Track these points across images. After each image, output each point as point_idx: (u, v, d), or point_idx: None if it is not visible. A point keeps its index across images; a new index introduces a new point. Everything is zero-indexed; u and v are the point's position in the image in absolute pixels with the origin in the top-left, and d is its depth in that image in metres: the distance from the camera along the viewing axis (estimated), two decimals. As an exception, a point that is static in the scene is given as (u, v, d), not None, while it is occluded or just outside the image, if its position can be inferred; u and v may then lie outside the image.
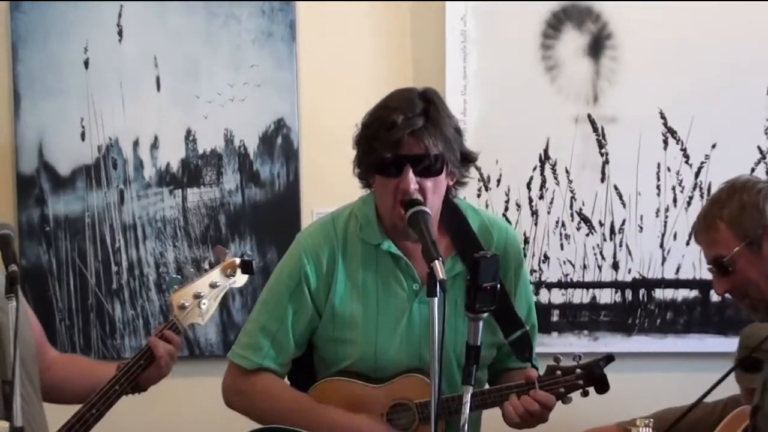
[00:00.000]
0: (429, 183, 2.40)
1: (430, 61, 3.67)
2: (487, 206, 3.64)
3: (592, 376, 2.52)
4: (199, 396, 3.49)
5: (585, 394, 2.55)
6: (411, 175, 2.37)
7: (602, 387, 2.54)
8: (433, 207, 2.41)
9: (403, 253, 2.50)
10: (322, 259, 2.51)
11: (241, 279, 2.63)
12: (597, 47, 3.64)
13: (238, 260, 2.59)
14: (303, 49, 3.69)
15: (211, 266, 2.63)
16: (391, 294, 2.52)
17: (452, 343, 2.42)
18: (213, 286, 2.58)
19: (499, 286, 2.17)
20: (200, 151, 3.72)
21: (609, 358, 2.55)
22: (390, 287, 2.52)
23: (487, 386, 2.63)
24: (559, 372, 2.52)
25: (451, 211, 2.55)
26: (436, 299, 2.11)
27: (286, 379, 2.66)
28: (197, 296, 2.56)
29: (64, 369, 2.70)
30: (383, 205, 2.46)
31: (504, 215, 3.67)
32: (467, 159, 2.51)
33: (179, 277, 2.72)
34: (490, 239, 2.55)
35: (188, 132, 3.73)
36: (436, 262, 2.15)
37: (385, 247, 2.49)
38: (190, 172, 3.73)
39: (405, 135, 2.36)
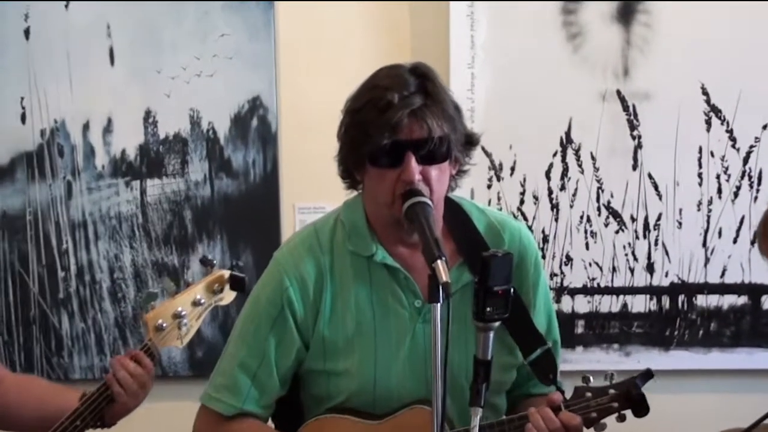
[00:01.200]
0: (434, 171, 2.24)
1: (431, 29, 3.52)
2: (499, 199, 3.53)
3: (629, 397, 2.35)
4: (161, 425, 3.25)
5: (621, 418, 2.37)
6: (414, 163, 2.21)
7: (641, 410, 2.36)
8: (438, 199, 2.28)
9: (400, 264, 2.34)
10: (307, 279, 2.36)
11: (229, 296, 2.53)
12: (627, 11, 3.46)
13: (227, 274, 2.49)
14: (282, 15, 3.53)
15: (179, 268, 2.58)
16: (390, 313, 2.37)
17: (463, 366, 2.27)
18: (196, 303, 2.48)
19: (513, 292, 2.05)
20: (161, 136, 3.57)
21: (647, 374, 2.36)
22: (388, 306, 2.37)
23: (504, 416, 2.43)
24: (589, 394, 2.35)
25: (454, 212, 2.41)
26: (438, 305, 1.96)
27: (270, 422, 2.51)
28: (177, 316, 2.46)
29: (18, 392, 2.59)
30: (379, 204, 2.30)
31: (519, 210, 3.53)
32: (470, 141, 2.36)
33: (156, 291, 2.73)
34: (501, 242, 2.39)
35: (147, 113, 3.56)
36: (439, 261, 2.00)
37: (378, 258, 2.34)
38: (150, 160, 3.57)
39: (404, 116, 2.20)
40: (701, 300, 3.57)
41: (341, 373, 2.39)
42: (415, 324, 2.38)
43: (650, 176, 3.55)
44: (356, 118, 2.29)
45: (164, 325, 2.45)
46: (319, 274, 2.37)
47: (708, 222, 3.52)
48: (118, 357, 2.47)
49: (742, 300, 3.55)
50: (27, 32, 3.53)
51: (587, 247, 3.57)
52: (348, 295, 2.39)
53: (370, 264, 2.37)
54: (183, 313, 2.47)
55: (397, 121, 2.22)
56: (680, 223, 3.55)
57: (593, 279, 3.57)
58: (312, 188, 3.49)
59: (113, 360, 2.47)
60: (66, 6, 3.52)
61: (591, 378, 2.39)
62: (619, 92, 3.52)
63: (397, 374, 2.38)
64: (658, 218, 3.56)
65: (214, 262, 2.53)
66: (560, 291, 3.57)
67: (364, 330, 2.38)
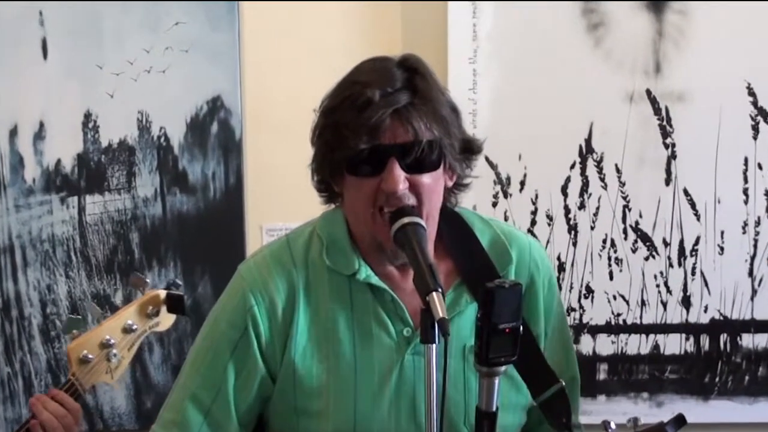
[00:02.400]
0: (424, 180, 2.19)
1: (425, 16, 3.45)
2: (506, 219, 3.41)
3: None
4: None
5: (648, 473, 2.31)
6: (397, 170, 2.16)
7: None
8: (430, 215, 2.22)
9: (387, 284, 2.28)
10: (276, 299, 2.30)
11: (166, 320, 2.52)
12: None
13: (163, 293, 2.49)
14: (248, 2, 3.45)
15: (125, 301, 2.61)
16: (373, 342, 2.29)
17: (461, 406, 2.27)
18: (127, 330, 2.45)
19: (521, 326, 2.01)
20: (104, 143, 3.43)
21: (680, 420, 2.27)
22: (371, 333, 2.29)
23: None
24: None
25: (452, 223, 2.37)
26: (434, 347, 1.97)
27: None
28: (105, 345, 2.42)
29: None
30: (359, 218, 2.26)
31: (530, 231, 3.41)
32: (469, 149, 2.31)
33: (79, 317, 2.61)
34: (508, 259, 2.35)
35: (87, 116, 3.41)
36: (434, 294, 1.98)
37: (361, 278, 2.28)
38: (90, 172, 3.43)
39: (386, 116, 2.15)
40: (747, 340, 3.48)
41: (314, 414, 2.32)
42: (403, 356, 2.29)
43: (686, 192, 3.44)
44: (332, 118, 2.23)
45: (90, 356, 2.41)
46: (291, 292, 2.31)
47: (755, 247, 3.44)
48: (38, 396, 2.41)
49: (796, 340, 3.53)
50: (-57, 20, 3.45)
51: (611, 277, 3.47)
52: (324, 320, 2.32)
53: (351, 284, 2.32)
54: (112, 342, 2.43)
55: (378, 122, 2.15)
56: (722, 249, 3.45)
57: (618, 315, 3.47)
58: (283, 206, 3.37)
59: (34, 400, 2.40)
60: (-10, -10, 3.41)
61: (612, 424, 2.27)
62: (649, 92, 3.43)
63: (381, 417, 2.31)
64: (696, 242, 3.46)
65: (147, 280, 2.50)
66: (579, 329, 3.46)
67: (343, 362, 2.31)
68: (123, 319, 2.47)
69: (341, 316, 2.32)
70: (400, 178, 2.16)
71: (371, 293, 2.30)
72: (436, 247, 2.32)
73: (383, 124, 2.15)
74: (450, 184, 2.29)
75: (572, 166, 3.43)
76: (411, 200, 2.18)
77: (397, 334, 2.29)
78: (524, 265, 2.36)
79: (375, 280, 2.28)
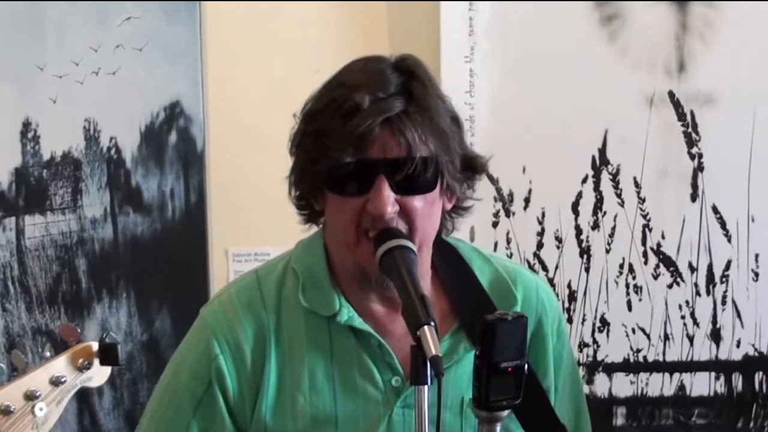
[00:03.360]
0: (416, 203, 2.07)
1: (415, 9, 3.34)
2: (509, 241, 3.33)
3: None
4: None
5: None
6: (386, 190, 2.03)
7: None
8: (423, 243, 2.10)
9: (373, 326, 2.16)
10: (245, 346, 2.18)
11: (100, 375, 2.32)
12: None
13: (95, 345, 2.32)
14: None
15: (57, 349, 2.33)
16: (358, 394, 2.16)
17: None
18: (56, 382, 2.26)
19: (527, 369, 1.91)
20: (45, 156, 3.22)
21: None
22: (354, 384, 2.17)
23: None
24: None
25: (447, 257, 2.26)
26: (425, 389, 1.85)
27: None
28: (31, 397, 2.23)
29: None
30: (340, 242, 2.14)
31: (536, 255, 3.34)
32: (472, 167, 2.20)
33: (1, 366, 2.37)
34: (511, 300, 2.24)
35: (26, 125, 3.20)
36: (426, 328, 1.85)
37: (343, 320, 2.16)
38: (30, 189, 3.22)
39: (375, 125, 2.02)
40: None
41: (289, 476, 2.33)
42: (391, 409, 2.16)
43: (715, 209, 3.33)
44: (313, 125, 2.12)
45: (13, 407, 2.23)
46: (261, 338, 2.22)
47: (795, 273, 3.43)
48: None
49: (842, 379, 3.48)
50: None
51: (629, 308, 3.34)
52: (300, 369, 2.21)
53: (331, 327, 2.20)
54: (38, 393, 2.25)
55: (365, 132, 2.04)
56: (757, 274, 3.33)
57: (638, 351, 3.36)
58: (252, 228, 3.30)
59: None
60: None
61: None
62: (672, 94, 3.31)
63: (367, 478, 2.32)
64: (727, 267, 3.35)
65: (78, 330, 2.34)
66: (593, 367, 3.36)
67: (321, 418, 2.19)
68: (51, 370, 2.27)
69: (319, 364, 2.21)
70: (388, 199, 2.05)
71: (354, 337, 2.19)
72: (431, 284, 2.22)
73: (372, 134, 2.04)
74: (448, 207, 2.18)
75: (584, 180, 3.32)
76: (401, 225, 2.07)
77: (385, 384, 2.17)
78: (531, 307, 2.26)
79: (358, 322, 2.16)
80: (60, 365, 2.29)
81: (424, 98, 2.08)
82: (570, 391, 2.31)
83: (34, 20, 3.22)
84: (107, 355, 2.31)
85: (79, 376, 2.29)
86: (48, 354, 2.36)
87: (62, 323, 2.63)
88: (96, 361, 2.31)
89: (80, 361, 2.29)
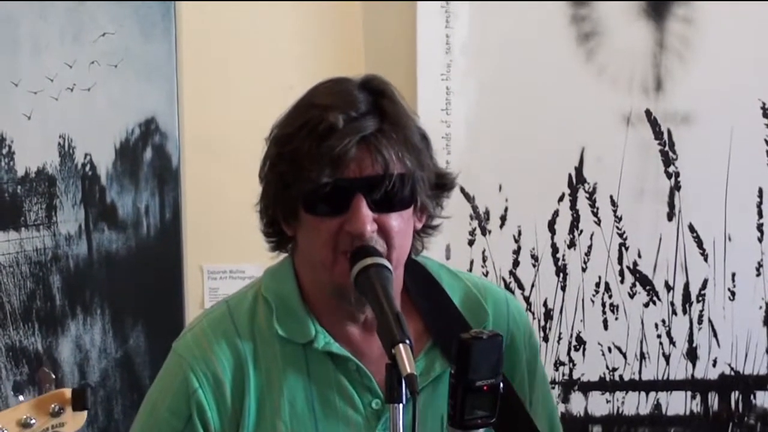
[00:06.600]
0: (393, 222, 2.07)
1: (391, 27, 3.35)
2: (485, 260, 3.35)
3: None
4: None
5: None
6: (365, 209, 2.04)
7: None
8: (399, 261, 2.11)
9: (350, 350, 2.17)
10: (222, 377, 2.17)
11: (74, 422, 2.33)
12: (660, 2, 3.31)
13: (68, 392, 2.33)
14: (186, 8, 3.35)
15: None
16: (339, 419, 2.15)
17: None
18: (25, 425, 2.27)
19: (504, 381, 1.94)
20: (19, 172, 3.18)
21: None
22: (335, 409, 2.16)
23: None
24: None
25: (417, 275, 2.26)
26: (400, 407, 1.83)
27: None
28: None
29: None
30: (315, 266, 2.13)
31: (512, 274, 3.35)
32: (442, 184, 2.21)
33: None
34: (483, 316, 2.25)
35: (0, 140, 3.16)
36: (401, 346, 1.85)
37: (320, 346, 2.16)
38: (4, 205, 3.15)
39: (351, 145, 2.03)
40: (762, 398, 3.37)
41: (272, 504, 2.32)
42: None
43: (692, 228, 3.34)
44: (286, 148, 2.11)
45: None
46: (239, 369, 2.19)
47: (771, 292, 3.45)
48: None
49: (820, 399, 3.48)
50: None
51: (606, 326, 3.35)
52: (279, 397, 2.17)
53: (307, 354, 2.20)
54: None
55: (342, 152, 2.04)
56: (733, 294, 3.33)
57: (614, 370, 3.37)
58: (227, 245, 3.29)
59: None
60: None
61: None
62: (649, 113, 3.32)
63: (349, 502, 2.33)
64: (704, 286, 3.35)
65: (52, 376, 2.35)
66: (569, 386, 3.36)
67: None
68: (21, 411, 2.29)
69: (298, 391, 2.18)
70: (368, 218, 2.04)
71: (332, 362, 2.18)
72: (404, 303, 2.19)
73: (348, 154, 2.04)
74: (419, 226, 2.16)
75: (561, 199, 3.33)
76: (379, 245, 2.05)
77: (365, 407, 2.15)
78: (502, 321, 2.24)
79: (336, 347, 2.16)
80: (30, 407, 2.30)
81: (397, 116, 2.09)
82: (542, 404, 2.32)
83: (8, 36, 3.20)
84: (76, 399, 2.31)
85: (50, 421, 2.30)
86: (21, 399, 2.38)
87: (40, 370, 2.52)
88: (69, 408, 2.32)
89: (52, 405, 2.30)
